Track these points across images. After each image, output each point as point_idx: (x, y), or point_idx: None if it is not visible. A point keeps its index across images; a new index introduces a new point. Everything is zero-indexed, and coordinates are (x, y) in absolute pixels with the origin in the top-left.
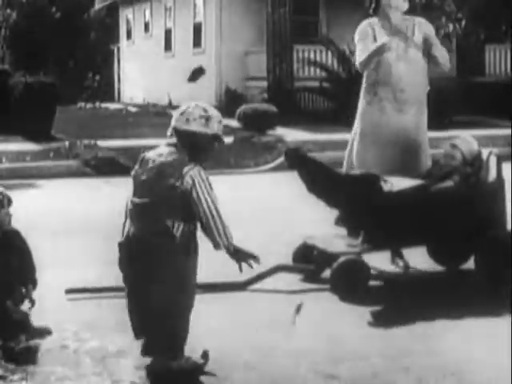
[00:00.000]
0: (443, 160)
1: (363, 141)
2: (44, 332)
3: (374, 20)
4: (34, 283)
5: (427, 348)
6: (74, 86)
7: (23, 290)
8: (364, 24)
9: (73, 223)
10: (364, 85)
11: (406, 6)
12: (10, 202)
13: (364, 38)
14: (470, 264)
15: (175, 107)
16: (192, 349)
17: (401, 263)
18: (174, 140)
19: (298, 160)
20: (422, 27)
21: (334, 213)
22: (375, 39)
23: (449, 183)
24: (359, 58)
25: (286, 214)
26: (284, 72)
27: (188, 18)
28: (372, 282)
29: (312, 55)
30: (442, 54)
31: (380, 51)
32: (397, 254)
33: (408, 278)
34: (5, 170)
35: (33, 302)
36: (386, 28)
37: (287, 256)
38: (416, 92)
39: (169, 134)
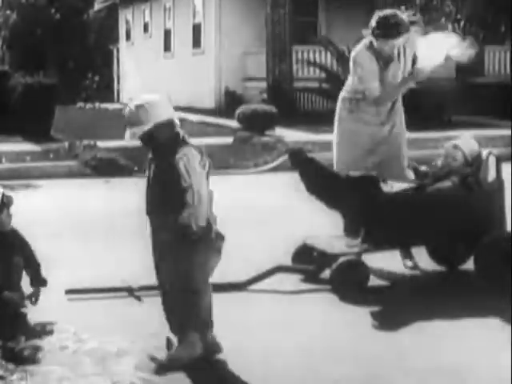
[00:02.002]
0: (443, 160)
1: (341, 147)
2: (46, 329)
3: (368, 44)
4: (44, 282)
5: (427, 348)
6: (73, 87)
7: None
8: (362, 49)
9: (72, 223)
10: (346, 94)
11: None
12: (10, 202)
13: (362, 64)
14: (470, 264)
15: (175, 108)
16: None
17: (410, 263)
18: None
19: (299, 160)
20: (410, 48)
21: (333, 213)
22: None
23: (448, 184)
24: (374, 91)
25: (286, 215)
26: (283, 72)
27: (187, 18)
28: (372, 282)
29: (311, 56)
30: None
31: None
32: (406, 254)
33: (408, 279)
34: (5, 170)
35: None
36: (379, 57)
37: (287, 256)
38: (397, 105)
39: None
